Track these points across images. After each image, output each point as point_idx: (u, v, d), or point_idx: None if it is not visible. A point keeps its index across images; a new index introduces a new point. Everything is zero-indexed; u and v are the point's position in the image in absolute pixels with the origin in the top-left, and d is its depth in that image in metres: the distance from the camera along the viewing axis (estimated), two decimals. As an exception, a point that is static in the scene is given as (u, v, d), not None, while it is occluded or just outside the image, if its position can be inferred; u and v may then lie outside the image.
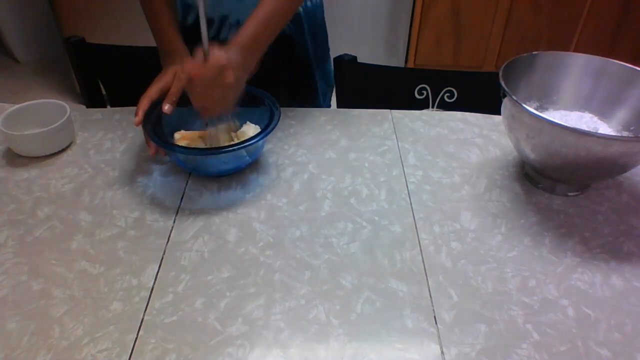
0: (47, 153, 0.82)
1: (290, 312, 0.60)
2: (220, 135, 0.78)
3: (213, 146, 0.78)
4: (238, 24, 0.95)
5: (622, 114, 0.79)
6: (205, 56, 0.68)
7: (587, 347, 0.57)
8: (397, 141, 0.88)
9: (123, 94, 1.14)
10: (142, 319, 0.58)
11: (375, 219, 0.72)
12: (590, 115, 0.81)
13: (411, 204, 0.75)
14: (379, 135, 0.89)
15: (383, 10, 2.35)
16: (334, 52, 1.13)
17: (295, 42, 1.03)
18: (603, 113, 0.81)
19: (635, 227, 0.73)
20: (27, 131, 0.81)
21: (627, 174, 0.82)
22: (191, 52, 0.82)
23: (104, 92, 1.16)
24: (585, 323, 0.60)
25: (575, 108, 0.83)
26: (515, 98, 0.70)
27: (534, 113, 0.68)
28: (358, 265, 0.66)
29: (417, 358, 0.56)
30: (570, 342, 0.58)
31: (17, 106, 0.83)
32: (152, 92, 0.76)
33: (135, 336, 0.57)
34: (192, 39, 0.91)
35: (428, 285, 0.63)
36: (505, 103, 0.74)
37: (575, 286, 0.64)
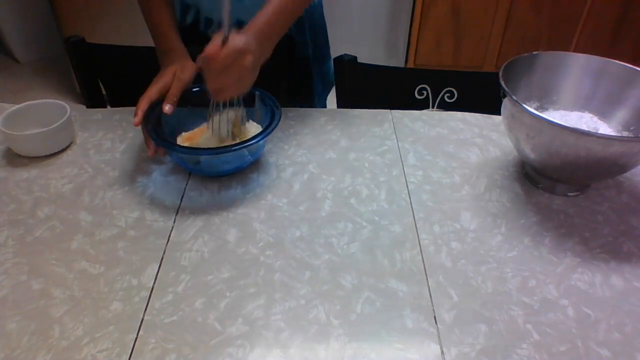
0: (47, 153, 0.82)
1: (290, 312, 0.60)
2: (222, 124, 0.76)
3: (214, 135, 0.77)
4: (238, 24, 0.96)
5: (622, 114, 0.79)
6: (225, 39, 0.67)
7: (587, 347, 0.57)
8: (397, 141, 0.88)
9: (123, 94, 1.14)
10: (142, 319, 0.58)
11: (375, 219, 0.72)
12: (590, 115, 0.81)
13: (411, 204, 0.75)
14: (379, 135, 0.89)
15: (383, 10, 2.35)
16: (334, 52, 1.13)
17: (295, 42, 1.03)
18: (603, 113, 0.81)
19: (635, 227, 0.73)
20: (27, 131, 0.81)
21: (627, 174, 0.82)
22: (190, 51, 0.82)
23: (104, 92, 1.16)
24: (585, 323, 0.60)
25: (575, 108, 0.83)
26: (515, 98, 0.70)
27: (534, 113, 0.68)
28: (358, 265, 0.66)
29: (417, 358, 0.56)
30: (570, 342, 0.58)
31: (17, 106, 0.83)
32: (152, 92, 0.76)
33: (135, 336, 0.57)
34: (191, 38, 0.91)
35: (428, 285, 0.63)
36: (505, 103, 0.74)
37: (575, 286, 0.64)
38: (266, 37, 0.73)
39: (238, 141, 0.73)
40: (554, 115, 0.82)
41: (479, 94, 1.01)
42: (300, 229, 0.71)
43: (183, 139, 0.80)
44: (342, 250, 0.68)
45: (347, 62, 1.07)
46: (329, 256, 0.67)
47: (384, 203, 0.75)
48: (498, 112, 0.78)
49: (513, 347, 0.57)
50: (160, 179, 0.78)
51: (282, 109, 0.78)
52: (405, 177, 0.80)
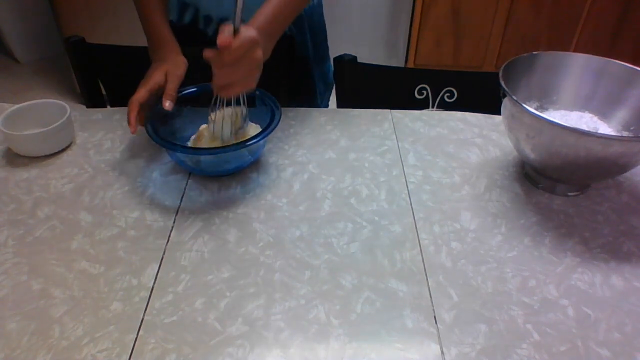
0: (47, 153, 0.82)
1: (290, 312, 0.60)
2: (225, 125, 0.75)
3: (216, 133, 0.77)
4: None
5: (622, 114, 0.79)
6: (236, 31, 0.65)
7: (587, 347, 0.57)
8: (397, 141, 0.88)
9: (123, 94, 1.13)
10: (142, 319, 0.58)
11: (375, 219, 0.72)
12: (590, 115, 0.81)
13: (411, 204, 0.75)
14: (379, 135, 0.89)
15: (383, 10, 2.35)
16: (334, 52, 1.13)
17: (295, 42, 1.03)
18: (603, 113, 0.81)
19: (635, 227, 0.73)
20: (27, 131, 0.81)
21: (627, 174, 0.82)
22: (189, 52, 0.82)
23: (104, 92, 1.16)
24: (585, 323, 0.60)
25: (575, 108, 0.83)
26: (515, 98, 0.70)
27: (534, 113, 0.68)
28: (358, 265, 0.66)
29: (417, 358, 0.56)
30: (570, 342, 0.58)
31: (17, 106, 0.83)
32: (141, 95, 0.74)
33: (135, 336, 0.57)
34: (188, 38, 0.91)
35: (428, 285, 0.63)
36: (505, 103, 0.74)
37: (575, 286, 0.64)
38: (268, 34, 0.73)
39: (239, 140, 0.73)
40: (554, 115, 0.82)
41: (479, 94, 1.01)
42: (300, 228, 0.71)
43: (191, 143, 0.80)
44: (342, 250, 0.68)
45: (347, 62, 1.07)
46: (328, 256, 0.67)
47: (384, 203, 0.75)
48: (498, 112, 0.78)
49: (513, 347, 0.57)
50: (160, 179, 0.78)
51: (282, 108, 0.78)
52: (405, 177, 0.80)
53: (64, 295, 0.61)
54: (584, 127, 0.78)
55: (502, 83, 0.73)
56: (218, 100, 0.73)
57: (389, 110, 0.96)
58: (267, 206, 0.74)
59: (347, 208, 0.74)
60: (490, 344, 0.57)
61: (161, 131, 0.75)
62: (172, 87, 0.76)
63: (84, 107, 1.05)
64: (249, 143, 0.71)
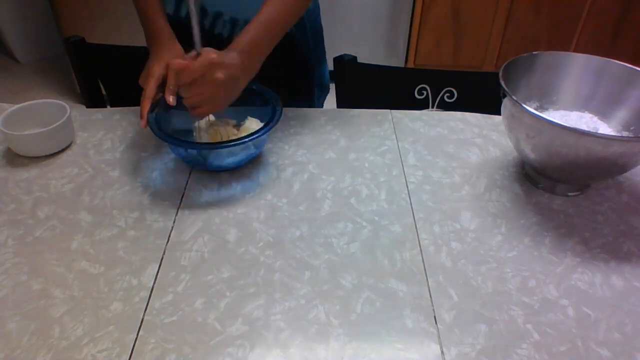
0: (47, 153, 0.82)
1: (290, 312, 0.60)
2: (202, 133, 0.78)
3: (202, 140, 0.78)
4: (232, 21, 0.95)
5: (622, 114, 0.79)
6: (197, 54, 0.69)
7: (587, 347, 0.57)
8: (397, 141, 0.88)
9: (123, 94, 1.14)
10: (142, 319, 0.58)
11: (375, 219, 0.72)
12: (590, 115, 0.81)
13: (411, 204, 0.75)
14: (379, 135, 0.89)
15: (383, 10, 2.35)
16: (334, 52, 1.13)
17: (296, 42, 1.03)
18: (603, 113, 0.81)
19: (635, 227, 0.73)
20: (27, 131, 0.81)
21: (627, 174, 0.82)
22: (182, 42, 0.82)
23: (104, 92, 1.16)
24: (585, 323, 0.60)
25: (575, 108, 0.83)
26: (515, 98, 0.70)
27: (534, 113, 0.68)
28: (358, 265, 0.66)
29: (417, 358, 0.56)
30: (570, 342, 0.58)
31: (17, 106, 0.83)
32: (151, 90, 0.75)
33: (135, 336, 0.57)
34: (186, 31, 0.91)
35: (428, 285, 0.63)
36: (505, 103, 0.74)
37: (575, 286, 0.64)
38: (249, 55, 0.74)
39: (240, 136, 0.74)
40: (554, 115, 0.82)
41: (479, 94, 1.01)
42: (300, 228, 0.71)
43: (195, 131, 0.81)
44: (342, 250, 0.68)
45: (347, 62, 1.07)
46: (328, 256, 0.67)
47: (384, 203, 0.75)
48: (498, 112, 0.78)
49: (513, 347, 0.57)
50: (160, 179, 0.78)
51: (283, 108, 0.78)
52: (405, 177, 0.80)
53: (64, 295, 0.61)
54: (584, 127, 0.78)
55: (502, 83, 0.73)
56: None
57: (389, 110, 0.96)
58: (267, 206, 0.74)
59: (347, 208, 0.74)
60: (490, 344, 0.57)
61: (163, 125, 0.75)
62: (173, 81, 0.76)
63: (84, 107, 1.06)
64: (250, 138, 0.72)
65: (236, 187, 0.77)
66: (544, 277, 0.65)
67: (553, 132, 0.68)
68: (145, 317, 0.59)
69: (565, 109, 0.83)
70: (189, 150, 0.77)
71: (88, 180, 0.78)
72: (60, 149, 0.83)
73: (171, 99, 0.74)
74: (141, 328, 0.57)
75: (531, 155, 0.74)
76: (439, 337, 0.58)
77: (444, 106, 1.12)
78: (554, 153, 0.70)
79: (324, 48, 1.15)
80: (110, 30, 2.11)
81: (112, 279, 0.63)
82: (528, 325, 0.59)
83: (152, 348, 0.56)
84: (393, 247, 0.68)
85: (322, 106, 1.21)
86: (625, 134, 0.79)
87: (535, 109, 0.77)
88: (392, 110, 0.96)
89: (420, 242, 0.69)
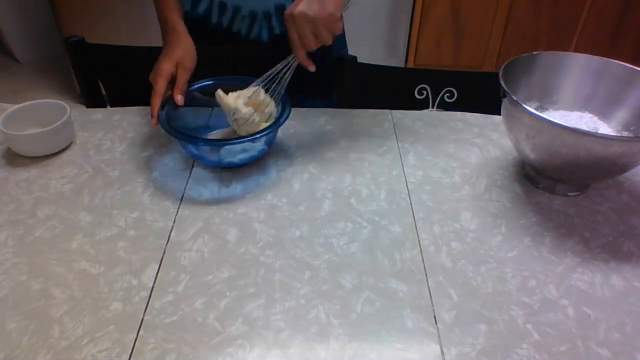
0: (47, 153, 0.82)
1: (290, 312, 0.60)
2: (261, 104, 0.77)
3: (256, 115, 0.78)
4: (251, 15, 0.95)
5: (622, 114, 0.79)
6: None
7: (587, 347, 0.57)
8: (397, 141, 0.88)
9: (123, 94, 1.14)
10: (142, 319, 0.58)
11: (375, 219, 0.72)
12: (590, 115, 0.81)
13: (411, 204, 0.75)
14: (379, 135, 0.89)
15: (383, 10, 2.35)
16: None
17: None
18: (603, 113, 0.81)
19: (635, 227, 0.73)
20: (27, 131, 0.81)
21: (627, 174, 0.82)
22: (198, 39, 0.82)
23: (104, 92, 1.16)
24: (585, 323, 0.60)
25: (575, 108, 0.83)
26: (515, 98, 0.70)
27: (534, 113, 0.68)
28: (358, 265, 0.66)
29: (417, 358, 0.56)
30: (570, 342, 0.58)
31: (17, 106, 0.83)
32: (160, 88, 0.76)
33: (135, 336, 0.57)
34: (202, 29, 0.91)
35: (428, 285, 0.63)
36: (505, 103, 0.74)
37: (575, 286, 0.64)
38: None
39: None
40: (554, 115, 0.82)
41: (479, 94, 1.01)
42: (300, 228, 0.71)
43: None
44: (342, 250, 0.68)
45: (347, 62, 1.07)
46: (328, 256, 0.67)
47: (384, 203, 0.75)
48: (498, 112, 0.78)
49: (513, 347, 0.57)
50: (160, 179, 0.78)
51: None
52: (405, 177, 0.80)
53: (64, 295, 0.61)
54: (584, 127, 0.78)
55: (502, 83, 0.73)
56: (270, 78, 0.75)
57: (389, 110, 0.96)
58: (267, 206, 0.74)
59: (347, 208, 0.74)
60: (490, 344, 0.57)
61: (173, 122, 0.76)
62: (182, 81, 0.77)
63: (84, 107, 1.06)
64: (258, 135, 0.73)
65: (236, 187, 0.77)
66: (544, 277, 0.65)
67: (553, 132, 0.68)
68: (145, 317, 0.59)
69: (565, 109, 0.83)
70: (202, 147, 0.77)
71: (88, 180, 0.78)
72: (60, 149, 0.83)
73: (179, 98, 0.75)
74: (141, 328, 0.57)
75: (531, 155, 0.74)
76: (439, 337, 0.58)
77: (444, 106, 1.12)
78: (554, 153, 0.70)
79: (346, 47, 1.14)
80: (110, 30, 2.11)
81: (112, 279, 0.63)
82: (528, 325, 0.59)
83: (152, 348, 0.56)
84: (393, 247, 0.68)
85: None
86: (625, 134, 0.79)
87: (535, 109, 0.77)
88: (392, 110, 0.96)
89: (420, 242, 0.69)
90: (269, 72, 0.75)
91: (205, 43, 0.82)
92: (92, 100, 1.15)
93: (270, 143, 0.83)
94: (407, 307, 0.61)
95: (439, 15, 2.30)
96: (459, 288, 0.63)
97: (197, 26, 0.87)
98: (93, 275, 0.63)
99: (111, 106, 1.13)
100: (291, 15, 0.70)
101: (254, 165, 0.82)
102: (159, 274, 0.64)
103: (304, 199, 0.76)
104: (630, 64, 0.78)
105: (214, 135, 0.85)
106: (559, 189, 0.78)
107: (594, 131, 0.76)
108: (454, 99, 1.11)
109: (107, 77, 1.14)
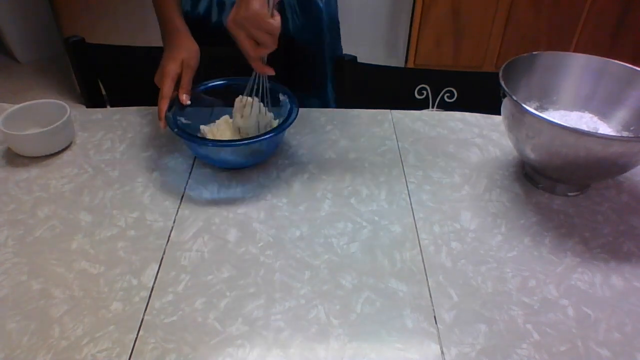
0: (47, 153, 0.82)
1: (290, 312, 0.60)
2: (253, 110, 0.77)
3: (243, 120, 0.78)
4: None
5: (622, 114, 0.79)
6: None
7: (587, 347, 0.57)
8: (397, 141, 0.88)
9: (123, 94, 1.14)
10: (142, 319, 0.58)
11: (375, 219, 0.72)
12: (590, 115, 0.81)
13: (411, 204, 0.75)
14: (379, 135, 0.89)
15: (383, 10, 2.35)
16: (333, 52, 1.13)
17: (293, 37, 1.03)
18: (603, 113, 0.81)
19: (635, 227, 0.73)
20: (27, 131, 0.81)
21: (627, 174, 0.82)
22: (198, 39, 0.82)
23: (104, 92, 1.16)
24: (585, 323, 0.60)
25: (575, 108, 0.83)
26: (515, 98, 0.70)
27: (534, 113, 0.68)
28: (358, 265, 0.66)
29: (417, 358, 0.56)
30: (570, 342, 0.58)
31: (17, 106, 0.83)
32: (167, 90, 0.76)
33: (135, 336, 0.57)
34: (201, 28, 0.91)
35: (428, 285, 0.63)
36: (505, 103, 0.74)
37: (575, 286, 0.64)
38: None
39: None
40: (554, 115, 0.82)
41: (479, 94, 1.01)
42: (300, 228, 0.71)
43: (208, 133, 0.81)
44: (342, 250, 0.68)
45: (347, 62, 1.07)
46: (328, 256, 0.67)
47: (384, 203, 0.75)
48: (498, 112, 0.78)
49: (513, 347, 0.57)
50: (160, 179, 0.78)
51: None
52: (405, 177, 0.80)
53: (64, 295, 0.61)
54: (584, 127, 0.78)
55: (502, 83, 0.73)
56: (252, 85, 0.75)
57: (389, 110, 0.96)
58: (267, 206, 0.74)
59: (347, 208, 0.74)
60: (490, 344, 0.57)
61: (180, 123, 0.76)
62: (187, 81, 0.77)
63: (84, 107, 1.06)
64: (266, 136, 0.73)
65: (236, 187, 0.77)
66: (544, 277, 0.65)
67: (553, 132, 0.68)
68: (145, 317, 0.59)
69: (565, 109, 0.83)
70: (210, 148, 0.77)
71: (88, 180, 0.78)
72: (60, 149, 0.83)
73: (184, 97, 0.75)
74: (141, 328, 0.57)
75: (531, 155, 0.74)
76: (439, 337, 0.58)
77: (444, 106, 1.12)
78: (554, 153, 0.70)
79: (340, 46, 1.14)
80: (110, 30, 2.11)
81: (112, 279, 0.63)
82: (528, 325, 0.59)
83: (152, 348, 0.56)
84: (393, 247, 0.68)
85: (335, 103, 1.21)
86: (625, 134, 0.79)
87: (535, 109, 0.77)
88: (392, 110, 0.96)
89: (420, 242, 0.69)
90: (248, 85, 0.75)
91: (206, 42, 0.82)
92: (92, 100, 1.15)
93: (277, 144, 0.83)
94: (407, 307, 0.61)
95: (439, 15, 2.30)
96: (459, 288, 0.63)
97: (198, 25, 0.86)
98: (93, 275, 0.63)
99: (111, 106, 1.13)
100: (227, 26, 0.67)
101: (254, 165, 0.82)
102: (159, 274, 0.64)
103: (304, 199, 0.76)
104: (630, 64, 0.78)
105: (214, 126, 0.83)
106: (559, 189, 0.78)
107: (594, 131, 0.75)
108: (454, 99, 1.11)
109: (107, 77, 1.14)
